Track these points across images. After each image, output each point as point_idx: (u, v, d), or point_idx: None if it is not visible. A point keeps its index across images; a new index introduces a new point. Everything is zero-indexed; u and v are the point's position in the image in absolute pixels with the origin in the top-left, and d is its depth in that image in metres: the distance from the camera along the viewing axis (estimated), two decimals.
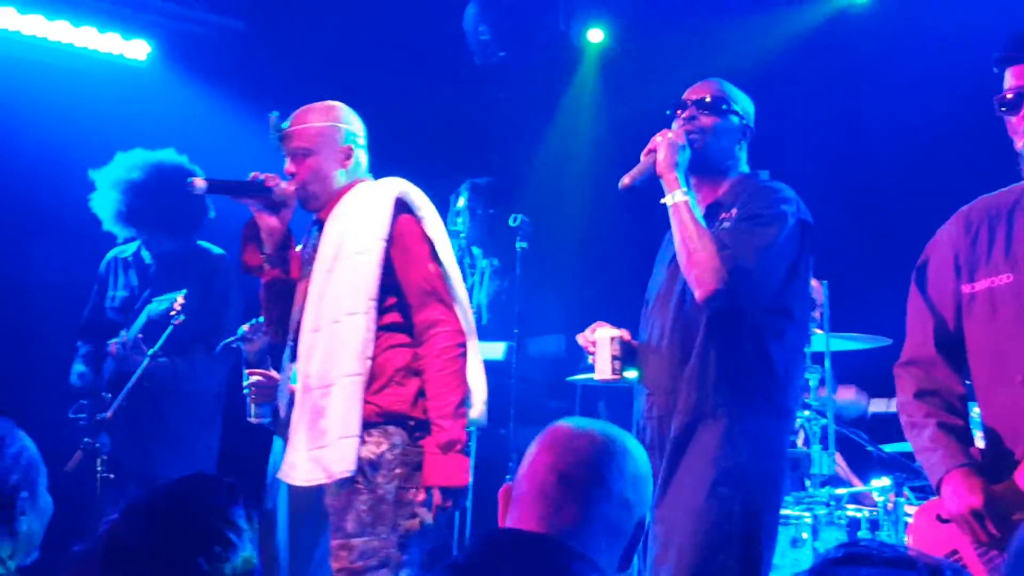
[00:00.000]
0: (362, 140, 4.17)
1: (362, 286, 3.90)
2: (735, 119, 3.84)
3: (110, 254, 6.03)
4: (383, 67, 7.41)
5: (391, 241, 3.94)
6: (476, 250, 6.81)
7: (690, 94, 3.86)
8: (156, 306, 5.67)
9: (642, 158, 3.73)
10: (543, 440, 2.24)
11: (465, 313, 3.99)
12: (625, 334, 3.84)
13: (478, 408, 3.98)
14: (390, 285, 3.93)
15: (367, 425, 3.85)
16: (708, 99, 3.82)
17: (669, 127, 3.82)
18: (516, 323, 5.84)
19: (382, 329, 3.91)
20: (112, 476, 5.00)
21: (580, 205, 7.67)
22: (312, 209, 4.11)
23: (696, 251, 3.57)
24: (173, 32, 7.48)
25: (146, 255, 5.92)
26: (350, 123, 4.14)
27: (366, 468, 3.83)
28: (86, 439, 5.04)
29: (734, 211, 3.71)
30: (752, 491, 3.56)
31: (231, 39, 7.62)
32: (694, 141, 3.76)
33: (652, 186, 3.69)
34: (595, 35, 7.48)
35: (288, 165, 4.07)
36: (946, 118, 6.01)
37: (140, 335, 5.58)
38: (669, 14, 7.16)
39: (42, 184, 6.78)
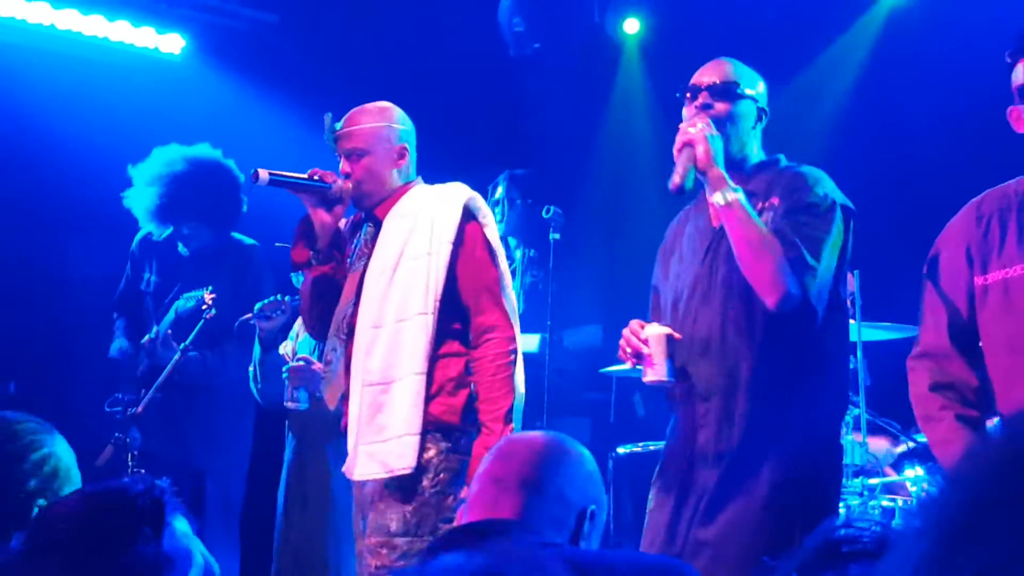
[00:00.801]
0: (414, 139, 4.21)
1: (431, 287, 3.94)
2: (750, 103, 3.65)
3: (142, 232, 6.04)
4: (417, 60, 7.41)
5: (458, 245, 3.99)
6: (512, 240, 6.81)
7: (700, 78, 3.64)
8: (184, 303, 5.72)
9: (676, 154, 3.50)
10: (488, 455, 2.43)
11: (515, 318, 4.04)
12: (675, 333, 3.60)
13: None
14: (452, 289, 3.97)
15: (422, 430, 3.91)
16: (721, 83, 3.61)
17: (681, 109, 3.66)
18: (549, 315, 5.81)
19: (440, 334, 3.96)
20: (143, 471, 5.02)
21: (615, 196, 7.65)
22: (365, 208, 4.15)
23: (764, 255, 3.37)
24: (207, 26, 7.50)
25: (184, 251, 5.96)
26: (403, 123, 4.19)
27: (417, 470, 3.89)
28: (117, 434, 5.08)
29: (774, 200, 3.53)
30: (812, 501, 3.46)
31: (265, 33, 7.64)
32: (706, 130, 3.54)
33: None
34: (631, 26, 7.44)
35: (343, 165, 4.10)
36: (979, 107, 5.93)
37: (169, 331, 5.63)
38: (704, 2, 7.12)
39: (77, 178, 6.83)
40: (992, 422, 3.35)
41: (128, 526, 1.88)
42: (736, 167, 3.59)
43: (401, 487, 3.88)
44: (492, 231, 4.08)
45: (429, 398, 3.92)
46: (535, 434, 2.46)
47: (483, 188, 6.69)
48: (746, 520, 3.44)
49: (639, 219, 7.58)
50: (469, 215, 4.04)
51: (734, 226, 3.42)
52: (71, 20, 6.91)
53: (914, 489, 5.37)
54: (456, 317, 3.99)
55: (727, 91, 3.61)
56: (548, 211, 5.64)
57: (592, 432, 6.84)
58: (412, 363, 3.91)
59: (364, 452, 3.93)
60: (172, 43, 7.32)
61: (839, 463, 3.68)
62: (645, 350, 3.53)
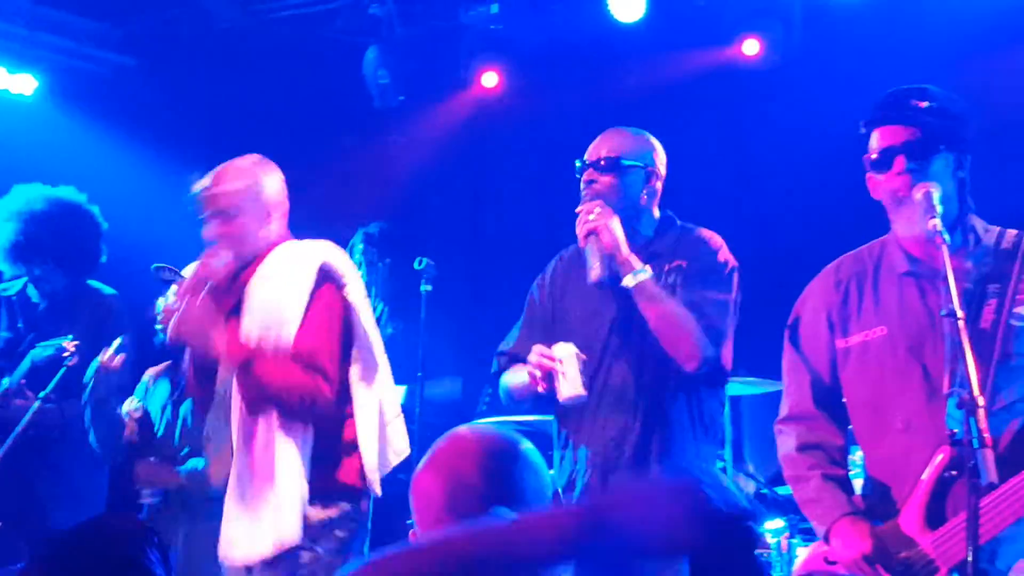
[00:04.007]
0: (284, 195, 4.11)
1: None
2: (637, 171, 3.90)
3: None
4: (279, 109, 7.36)
5: (308, 310, 3.89)
6: (372, 297, 6.81)
7: (589, 153, 3.93)
8: (40, 352, 5.51)
9: (582, 242, 3.78)
10: (427, 486, 2.06)
11: (369, 381, 3.97)
12: (581, 353, 3.77)
13: (371, 476, 3.94)
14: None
15: (314, 494, 3.82)
16: (605, 158, 3.88)
17: (578, 175, 3.91)
18: (420, 366, 5.79)
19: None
20: None
21: (479, 247, 7.69)
22: (234, 270, 4.01)
23: (679, 327, 3.69)
24: (62, 67, 7.33)
25: (33, 293, 5.75)
26: (272, 178, 4.08)
27: (309, 534, 3.79)
28: None
29: (681, 263, 3.82)
30: None
31: (123, 76, 7.50)
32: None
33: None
34: (491, 80, 7.50)
35: (209, 227, 3.98)
36: (842, 167, 6.12)
37: (23, 381, 5.42)
38: (565, 59, 7.23)
39: None
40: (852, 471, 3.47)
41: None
42: (633, 231, 3.86)
43: (296, 551, 3.78)
44: (352, 290, 3.99)
45: (323, 463, 3.84)
46: (474, 458, 2.06)
47: (348, 241, 6.66)
48: None
49: (501, 271, 7.62)
50: (325, 278, 3.94)
51: (647, 305, 3.71)
52: None
53: (774, 541, 5.47)
54: (343, 382, 3.92)
55: (610, 166, 3.87)
56: (420, 263, 5.64)
57: None
58: (291, 434, 3.82)
59: (251, 529, 3.80)
60: (24, 83, 7.11)
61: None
62: (560, 367, 3.70)
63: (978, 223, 3.31)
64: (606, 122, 7.18)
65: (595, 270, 3.73)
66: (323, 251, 4.01)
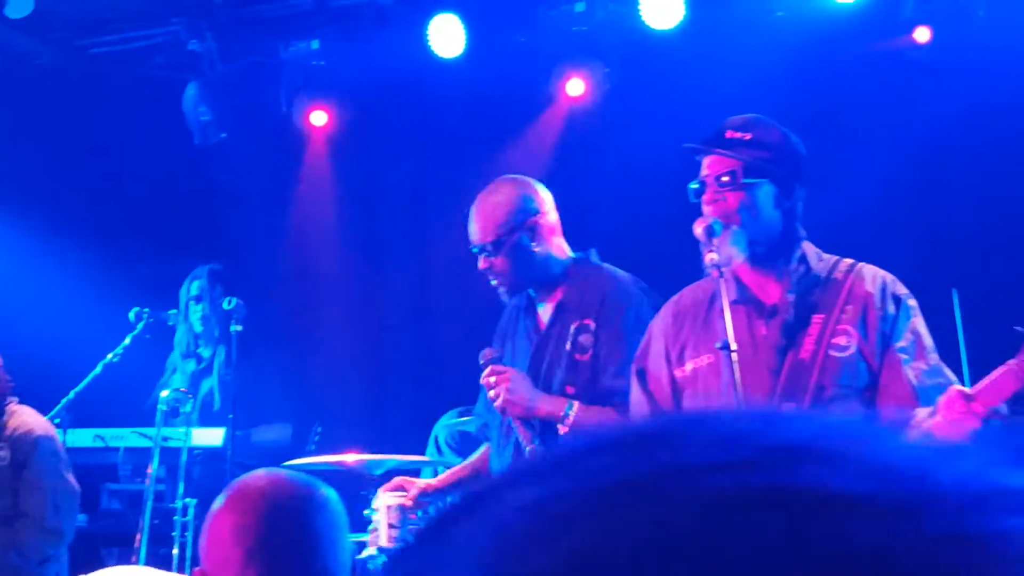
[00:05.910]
0: None
1: None
2: (516, 237, 3.86)
3: None
4: (99, 147, 7.18)
5: None
6: (207, 338, 6.68)
7: (472, 239, 3.90)
8: None
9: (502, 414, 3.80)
10: (216, 526, 2.08)
11: None
12: (406, 501, 3.99)
13: None
14: None
15: None
16: (483, 244, 3.86)
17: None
18: (231, 408, 5.69)
19: None
20: None
21: (302, 289, 7.60)
22: None
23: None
24: None
25: None
26: None
27: None
28: None
29: (588, 322, 3.80)
30: None
31: None
32: (501, 285, 3.88)
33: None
34: (318, 117, 7.43)
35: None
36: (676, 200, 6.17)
37: None
38: (390, 95, 7.21)
39: None
40: None
41: None
42: (541, 283, 3.93)
43: None
44: None
45: None
46: (279, 512, 2.11)
47: (168, 280, 6.49)
48: None
49: (326, 313, 7.54)
50: None
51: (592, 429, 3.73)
52: None
53: None
54: None
55: (494, 247, 3.86)
56: (229, 302, 5.56)
57: None
58: None
59: None
60: None
61: None
62: (377, 519, 4.01)
63: (811, 252, 3.35)
64: (435, 161, 7.27)
65: (527, 445, 3.72)
66: None
